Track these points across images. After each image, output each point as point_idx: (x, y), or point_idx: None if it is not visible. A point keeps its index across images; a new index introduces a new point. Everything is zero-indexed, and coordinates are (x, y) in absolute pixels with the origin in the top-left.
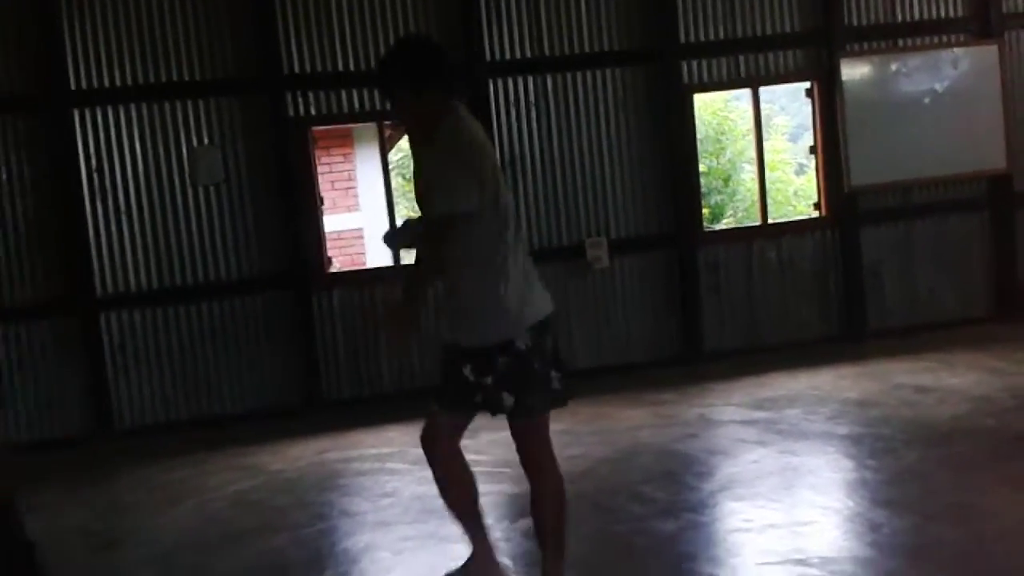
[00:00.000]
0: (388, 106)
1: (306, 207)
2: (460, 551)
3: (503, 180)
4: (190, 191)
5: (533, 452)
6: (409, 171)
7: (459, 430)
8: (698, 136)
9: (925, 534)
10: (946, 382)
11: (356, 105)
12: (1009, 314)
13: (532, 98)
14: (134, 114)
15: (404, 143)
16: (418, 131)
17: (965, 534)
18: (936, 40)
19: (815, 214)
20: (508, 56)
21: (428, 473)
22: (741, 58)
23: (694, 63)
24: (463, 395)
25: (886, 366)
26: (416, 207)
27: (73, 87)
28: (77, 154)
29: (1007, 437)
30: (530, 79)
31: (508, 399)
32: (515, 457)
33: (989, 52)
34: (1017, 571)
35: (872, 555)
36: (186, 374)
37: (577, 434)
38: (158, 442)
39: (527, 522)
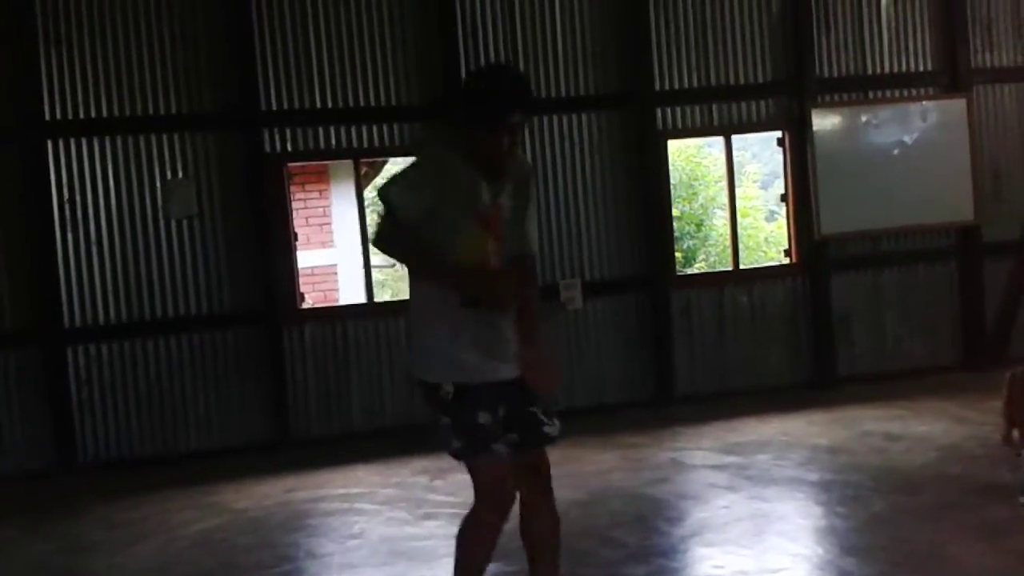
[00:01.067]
0: (511, 129)
1: (280, 243)
2: None
3: None
4: (163, 224)
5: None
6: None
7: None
8: (672, 181)
9: None
10: (914, 430)
11: (332, 142)
12: (977, 363)
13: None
14: (108, 146)
15: (378, 180)
16: (510, 161)
17: None
18: (905, 93)
19: (786, 261)
20: None
21: (397, 514)
22: (714, 106)
23: (668, 110)
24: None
25: (855, 413)
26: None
27: (47, 117)
28: (49, 184)
29: (974, 486)
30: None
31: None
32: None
33: (957, 105)
34: None
35: None
36: (152, 409)
37: None
38: (122, 478)
39: (496, 567)
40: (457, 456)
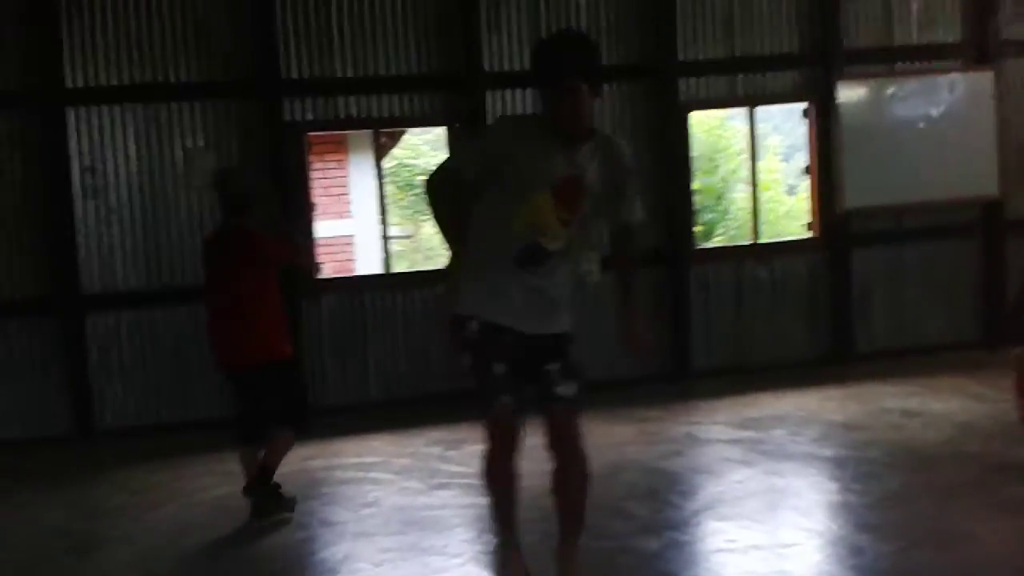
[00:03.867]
0: (570, 97)
1: (298, 212)
2: (441, 564)
3: None
4: (183, 193)
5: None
6: (401, 179)
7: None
8: (693, 154)
9: (908, 560)
10: (932, 407)
11: (353, 112)
12: (997, 341)
13: (530, 111)
14: (129, 114)
15: (398, 151)
16: (582, 127)
17: (948, 561)
18: (932, 65)
19: (807, 234)
20: (507, 67)
21: (411, 484)
22: (738, 77)
23: (691, 81)
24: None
25: (873, 389)
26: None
27: (68, 85)
28: (69, 152)
29: (991, 464)
30: (528, 92)
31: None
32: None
33: (984, 78)
34: None
35: None
36: (170, 376)
37: None
38: (140, 445)
39: None
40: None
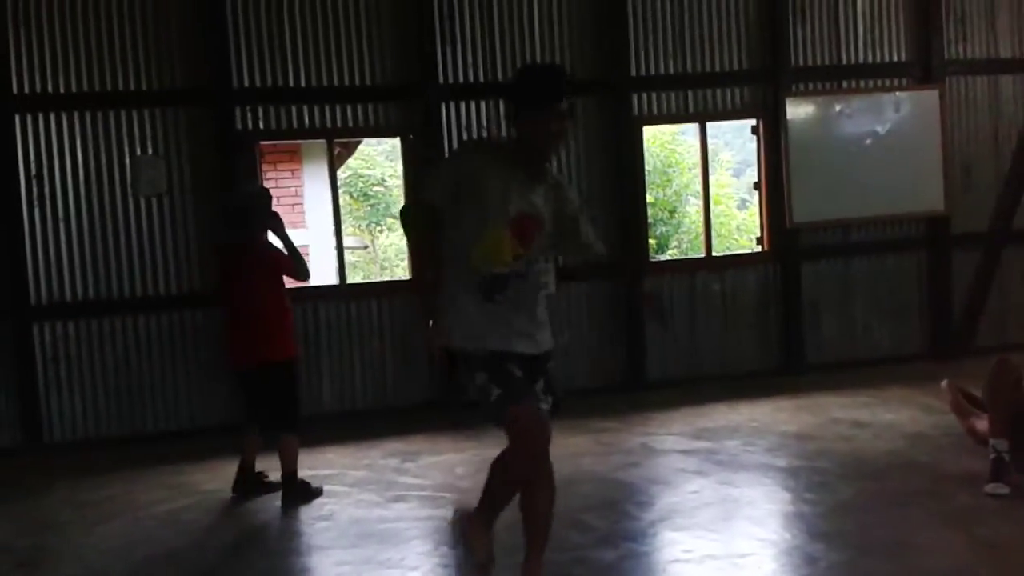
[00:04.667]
0: (555, 121)
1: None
2: None
3: None
4: (131, 202)
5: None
6: (356, 189)
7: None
8: (646, 168)
9: (860, 568)
10: (881, 418)
11: (306, 121)
12: (944, 352)
13: (485, 122)
14: (77, 121)
15: (353, 161)
16: (551, 156)
17: (900, 569)
18: (879, 83)
19: (757, 248)
20: (462, 80)
21: (367, 496)
22: (690, 93)
23: (644, 96)
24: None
25: (823, 400)
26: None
27: (16, 91)
28: (17, 159)
29: (940, 474)
30: (483, 103)
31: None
32: (455, 483)
33: (930, 96)
34: None
35: None
36: (120, 389)
37: None
38: (89, 458)
39: None
40: (497, 408)
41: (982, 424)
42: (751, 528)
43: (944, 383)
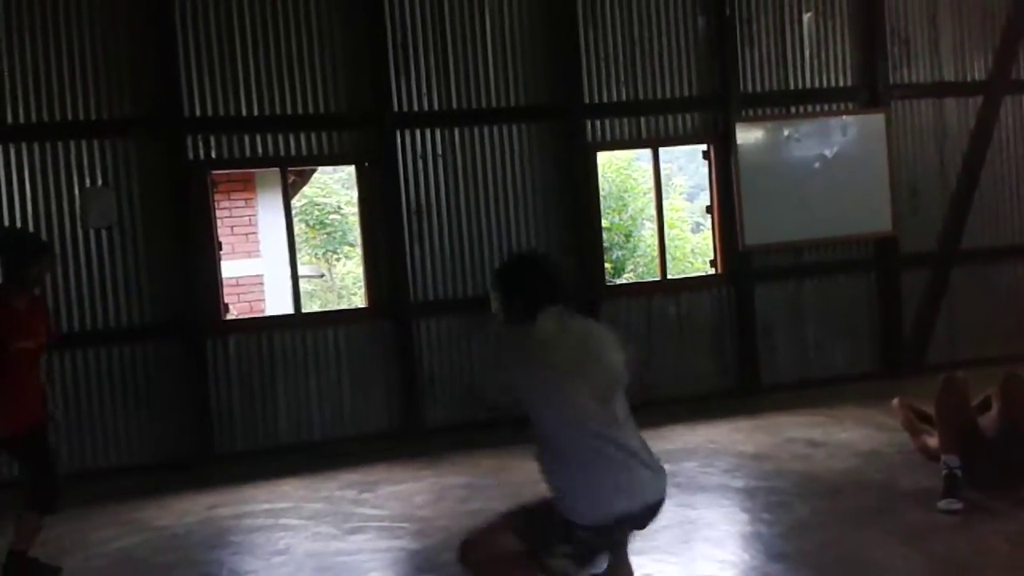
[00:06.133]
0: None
1: (203, 252)
2: None
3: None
4: (81, 234)
5: None
6: (312, 217)
7: None
8: (601, 193)
9: None
10: (836, 436)
11: (259, 150)
12: (895, 370)
13: (439, 150)
14: (25, 152)
15: (308, 189)
16: None
17: None
18: (826, 108)
19: (711, 271)
20: (416, 107)
21: (324, 529)
22: (642, 119)
23: (597, 122)
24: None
25: (779, 420)
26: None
27: None
28: None
29: (894, 492)
30: (438, 131)
31: None
32: (414, 512)
33: (876, 120)
34: None
35: None
36: (70, 424)
37: (478, 487)
38: None
39: None
40: None
41: (933, 441)
42: (710, 550)
43: (895, 401)
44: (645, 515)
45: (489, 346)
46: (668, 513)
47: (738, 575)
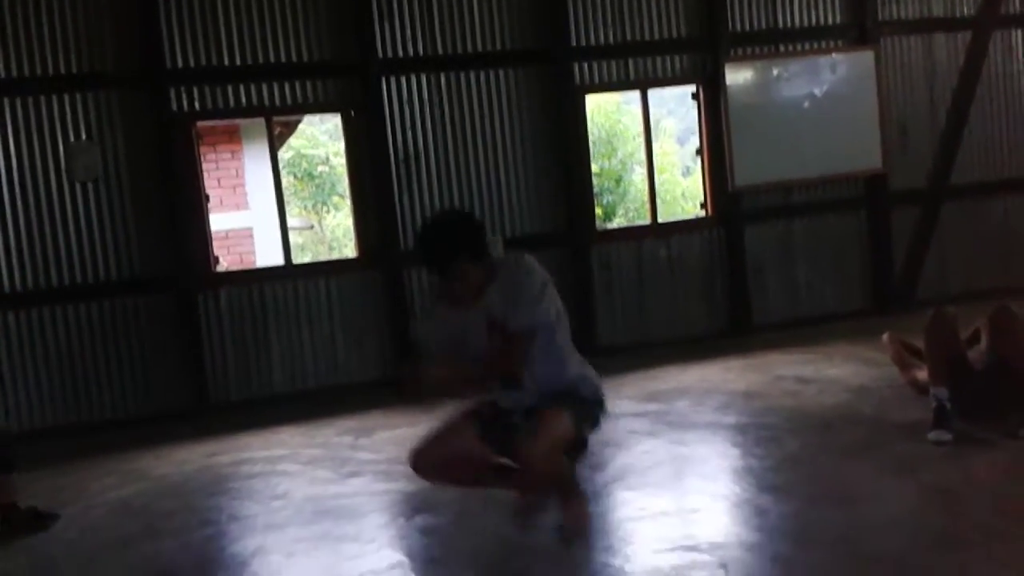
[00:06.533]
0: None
1: (190, 205)
2: (355, 551)
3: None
4: (67, 188)
5: None
6: (300, 170)
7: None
8: (591, 138)
9: (810, 518)
10: (826, 373)
11: (243, 100)
12: (885, 307)
13: (426, 96)
14: (7, 108)
15: (295, 140)
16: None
17: (848, 518)
18: (815, 46)
19: (702, 213)
20: (401, 54)
21: (321, 473)
22: (631, 61)
23: (585, 64)
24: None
25: (770, 358)
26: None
27: None
28: None
29: (884, 425)
30: (424, 77)
31: None
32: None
33: (865, 57)
34: (897, 552)
35: (760, 539)
36: (64, 378)
37: None
38: (36, 449)
39: (423, 519)
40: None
41: (923, 374)
42: (702, 484)
43: (885, 336)
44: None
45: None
46: (661, 450)
47: (730, 507)
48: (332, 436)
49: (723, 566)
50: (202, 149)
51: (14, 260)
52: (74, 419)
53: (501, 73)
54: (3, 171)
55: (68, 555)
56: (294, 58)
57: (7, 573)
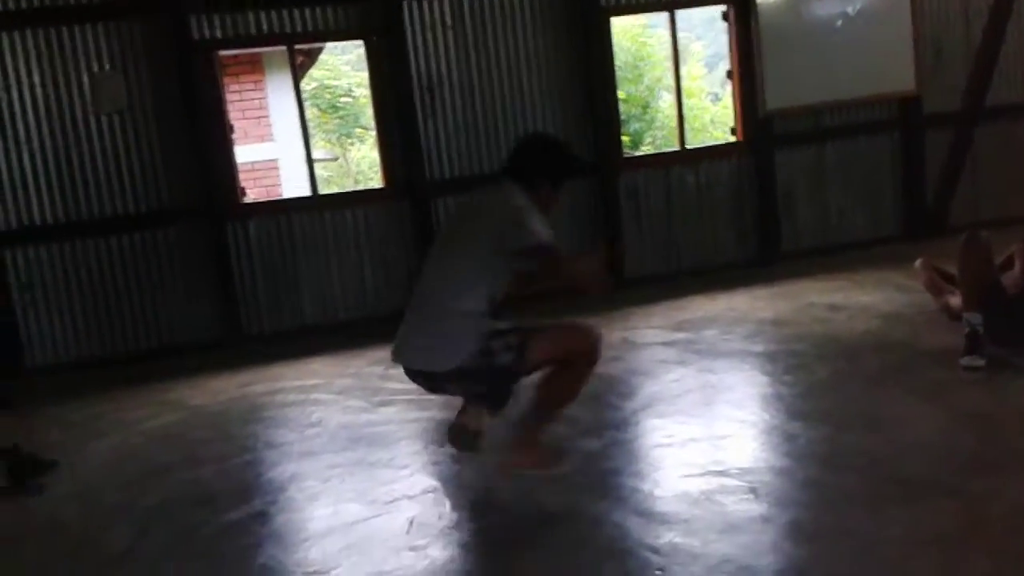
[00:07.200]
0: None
1: (215, 135)
2: (389, 475)
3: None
4: (92, 120)
5: None
6: (324, 101)
7: None
8: (617, 63)
9: (839, 443)
10: (856, 300)
11: (264, 27)
12: (918, 233)
13: (448, 20)
14: (30, 40)
15: (317, 72)
16: None
17: (877, 442)
18: None
19: (731, 139)
20: None
21: (354, 402)
22: None
23: None
24: None
25: (800, 286)
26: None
27: None
28: None
29: (915, 351)
30: (445, 1)
31: None
32: None
33: None
34: (929, 475)
35: (788, 464)
36: (98, 310)
37: None
38: (72, 380)
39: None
40: (519, 367)
41: (955, 300)
42: (731, 411)
43: (918, 262)
44: (417, 377)
45: None
46: (690, 378)
47: (758, 433)
48: (363, 366)
49: (752, 490)
50: (225, 80)
51: (44, 194)
52: (110, 350)
53: None
54: (28, 105)
55: (109, 482)
56: None
57: (54, 498)
